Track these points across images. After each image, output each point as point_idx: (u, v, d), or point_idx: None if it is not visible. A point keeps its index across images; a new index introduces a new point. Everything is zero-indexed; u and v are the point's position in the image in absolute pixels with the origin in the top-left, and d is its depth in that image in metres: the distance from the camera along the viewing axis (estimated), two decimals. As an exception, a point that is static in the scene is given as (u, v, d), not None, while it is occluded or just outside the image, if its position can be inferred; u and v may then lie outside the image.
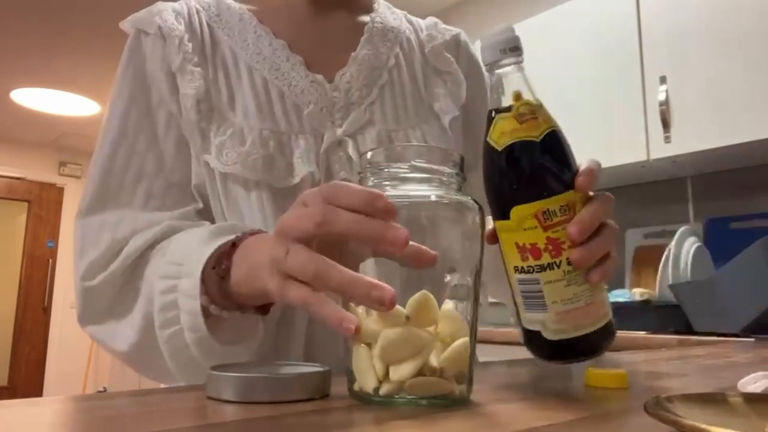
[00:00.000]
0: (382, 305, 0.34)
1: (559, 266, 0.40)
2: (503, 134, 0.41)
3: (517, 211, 0.41)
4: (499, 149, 0.41)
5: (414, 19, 0.80)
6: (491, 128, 0.42)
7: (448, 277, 0.38)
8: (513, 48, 0.42)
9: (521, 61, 0.43)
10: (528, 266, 0.41)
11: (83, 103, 4.18)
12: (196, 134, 0.63)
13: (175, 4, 0.69)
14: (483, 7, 3.01)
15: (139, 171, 0.63)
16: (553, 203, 0.40)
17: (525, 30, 0.83)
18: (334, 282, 0.35)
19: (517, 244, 0.41)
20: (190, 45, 0.65)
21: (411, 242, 0.35)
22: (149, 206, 0.62)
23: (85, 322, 0.61)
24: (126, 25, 0.67)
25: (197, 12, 0.68)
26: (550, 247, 0.40)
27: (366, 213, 0.35)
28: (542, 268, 0.40)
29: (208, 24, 0.68)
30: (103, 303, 0.60)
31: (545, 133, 0.41)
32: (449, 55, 0.75)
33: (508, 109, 0.41)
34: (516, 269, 0.42)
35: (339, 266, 0.36)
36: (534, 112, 0.41)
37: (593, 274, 0.40)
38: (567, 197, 0.40)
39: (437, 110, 0.72)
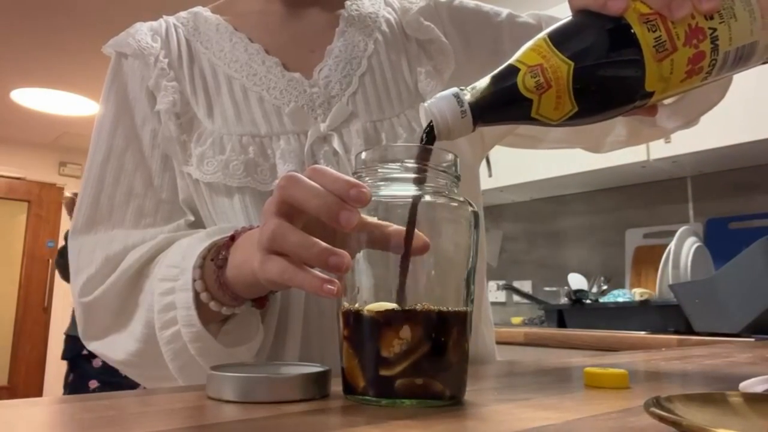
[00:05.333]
0: (338, 271, 0.35)
1: (714, 30, 0.40)
2: (557, 110, 0.40)
3: (650, 83, 0.40)
4: (576, 106, 0.40)
5: None
6: (540, 121, 0.41)
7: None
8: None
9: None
10: (710, 63, 0.41)
11: (83, 103, 4.17)
12: (176, 148, 0.63)
13: (153, 23, 0.70)
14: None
15: (128, 190, 0.64)
16: (646, 44, 0.39)
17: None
18: (291, 245, 0.37)
19: (686, 74, 0.41)
20: (165, 61, 0.66)
21: (400, 227, 0.36)
22: (141, 224, 0.63)
23: (88, 338, 0.62)
24: (107, 49, 0.69)
25: (175, 28, 0.70)
26: (695, 40, 0.40)
27: (339, 197, 0.36)
28: (715, 49, 0.40)
29: (186, 38, 0.69)
30: (104, 318, 0.60)
31: (568, 68, 0.39)
32: (428, 23, 0.71)
33: (527, 101, 0.40)
34: (709, 72, 0.42)
35: (303, 233, 0.37)
36: (537, 75, 0.40)
37: None
38: (640, 32, 0.39)
39: (420, 90, 0.69)
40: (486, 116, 0.41)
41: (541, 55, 0.39)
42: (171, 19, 0.71)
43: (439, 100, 0.40)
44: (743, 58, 0.42)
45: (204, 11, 0.72)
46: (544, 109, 0.40)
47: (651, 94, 0.41)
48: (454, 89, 0.40)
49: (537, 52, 0.40)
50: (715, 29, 0.40)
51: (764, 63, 0.45)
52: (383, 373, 0.35)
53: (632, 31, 0.39)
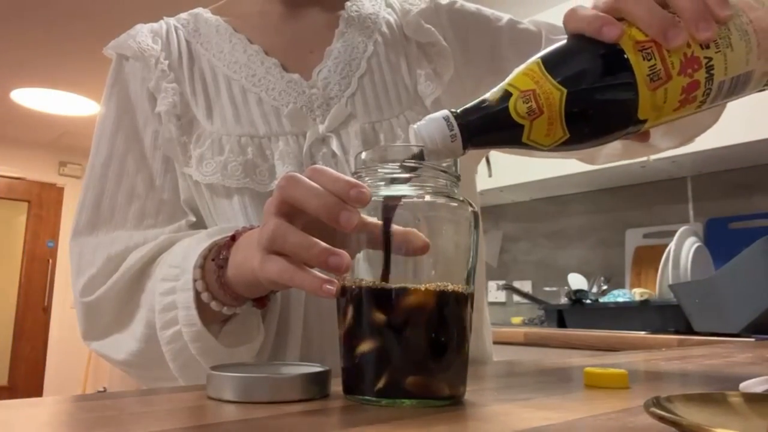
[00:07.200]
0: (338, 271, 0.35)
1: (710, 59, 0.39)
2: (548, 136, 0.40)
3: (643, 111, 0.39)
4: (568, 133, 0.39)
5: None
6: (531, 146, 0.40)
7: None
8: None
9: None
10: (704, 93, 0.40)
11: (83, 103, 4.17)
12: (177, 149, 0.63)
13: (154, 24, 0.70)
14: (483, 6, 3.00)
15: (130, 192, 0.64)
16: (640, 73, 0.38)
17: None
18: (291, 245, 0.37)
19: (679, 103, 0.40)
20: (166, 63, 0.66)
21: (400, 227, 0.36)
22: (143, 225, 0.63)
23: (89, 338, 0.62)
24: (108, 50, 0.69)
25: (175, 29, 0.70)
26: (690, 70, 0.39)
27: (339, 198, 0.36)
28: (710, 79, 0.39)
29: (186, 40, 0.69)
30: (105, 318, 0.60)
31: (561, 95, 0.39)
32: (429, 26, 0.71)
33: (519, 127, 0.39)
34: (703, 101, 0.41)
35: (303, 233, 0.37)
36: (529, 101, 0.39)
37: (718, 13, 0.39)
38: (635, 60, 0.38)
39: (420, 92, 0.69)
40: (476, 140, 0.40)
41: (534, 80, 0.39)
42: (171, 21, 0.71)
43: (429, 123, 0.40)
44: (738, 88, 0.42)
45: (204, 12, 0.72)
46: (536, 135, 0.40)
47: (643, 122, 0.41)
48: (445, 112, 0.40)
49: (530, 76, 0.39)
50: (710, 59, 0.39)
51: (760, 91, 0.45)
52: (383, 369, 0.35)
53: (627, 59, 0.38)
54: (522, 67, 0.40)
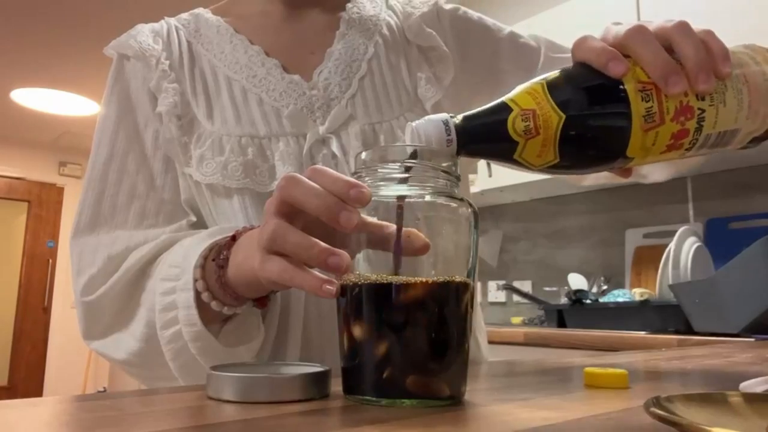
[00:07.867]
0: (338, 271, 0.36)
1: (703, 111, 0.40)
2: (539, 157, 0.40)
3: (632, 149, 0.40)
4: (558, 157, 0.40)
5: (395, 2, 0.77)
6: (521, 164, 0.41)
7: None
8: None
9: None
10: (690, 141, 0.41)
11: (83, 103, 4.17)
12: (177, 149, 0.64)
13: (155, 24, 0.70)
14: (483, 7, 3.01)
15: (130, 191, 0.64)
16: (637, 112, 0.39)
17: (525, 30, 0.82)
18: (291, 245, 0.37)
19: (666, 147, 0.41)
20: (167, 63, 0.66)
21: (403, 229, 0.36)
22: (143, 225, 0.63)
23: (90, 338, 0.62)
24: (109, 50, 0.69)
25: (176, 30, 0.70)
26: (682, 118, 0.40)
27: (339, 198, 0.36)
28: (699, 129, 0.40)
29: (187, 40, 0.69)
30: (105, 317, 0.60)
31: (559, 120, 0.39)
32: (430, 30, 0.71)
33: (513, 143, 0.40)
34: (689, 149, 0.42)
35: (303, 233, 0.37)
36: (528, 120, 0.40)
37: (719, 68, 0.40)
38: (634, 99, 0.39)
39: (420, 96, 0.69)
40: (470, 148, 0.41)
41: (536, 100, 0.40)
42: (172, 21, 0.71)
43: (428, 123, 0.40)
44: (723, 142, 0.43)
45: (205, 13, 0.72)
46: (528, 154, 0.40)
47: (630, 159, 0.42)
48: (444, 115, 0.41)
49: (532, 96, 0.40)
50: (703, 110, 0.41)
51: (742, 149, 0.46)
52: (382, 365, 0.35)
53: (627, 97, 0.40)
54: (526, 84, 0.41)
